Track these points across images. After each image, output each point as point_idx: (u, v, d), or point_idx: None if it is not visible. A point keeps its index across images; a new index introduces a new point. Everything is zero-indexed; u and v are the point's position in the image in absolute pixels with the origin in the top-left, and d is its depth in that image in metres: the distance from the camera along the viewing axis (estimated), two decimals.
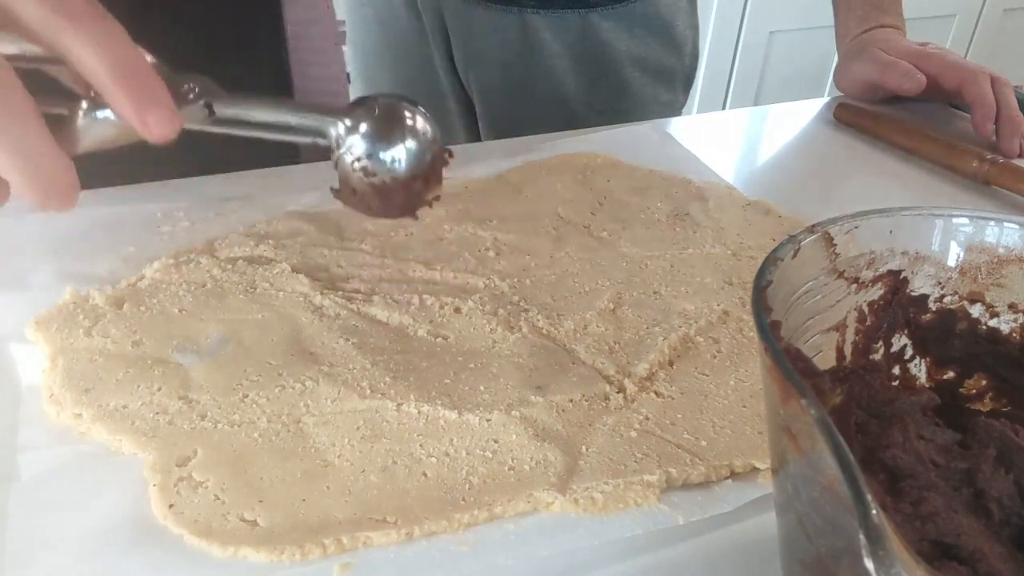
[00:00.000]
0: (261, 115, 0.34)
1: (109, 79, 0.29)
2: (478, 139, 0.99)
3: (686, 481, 0.37)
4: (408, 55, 0.96)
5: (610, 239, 0.56)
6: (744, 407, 0.41)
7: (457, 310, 0.47)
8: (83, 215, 0.54)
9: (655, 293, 0.50)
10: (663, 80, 0.96)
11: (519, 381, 0.42)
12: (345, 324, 0.45)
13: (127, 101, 0.30)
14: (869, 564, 0.19)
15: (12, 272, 0.48)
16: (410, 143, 0.35)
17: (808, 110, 0.86)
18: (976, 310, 0.34)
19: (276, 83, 0.68)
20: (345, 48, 1.02)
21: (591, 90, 0.91)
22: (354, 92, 1.03)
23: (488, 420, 0.39)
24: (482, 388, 0.41)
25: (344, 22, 0.99)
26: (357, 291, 0.48)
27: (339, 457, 0.37)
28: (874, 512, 0.19)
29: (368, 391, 0.40)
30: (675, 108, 1.00)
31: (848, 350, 0.33)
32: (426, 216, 0.57)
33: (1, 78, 0.29)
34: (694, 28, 0.98)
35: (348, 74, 1.05)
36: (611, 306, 0.48)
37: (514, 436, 0.38)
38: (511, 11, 0.87)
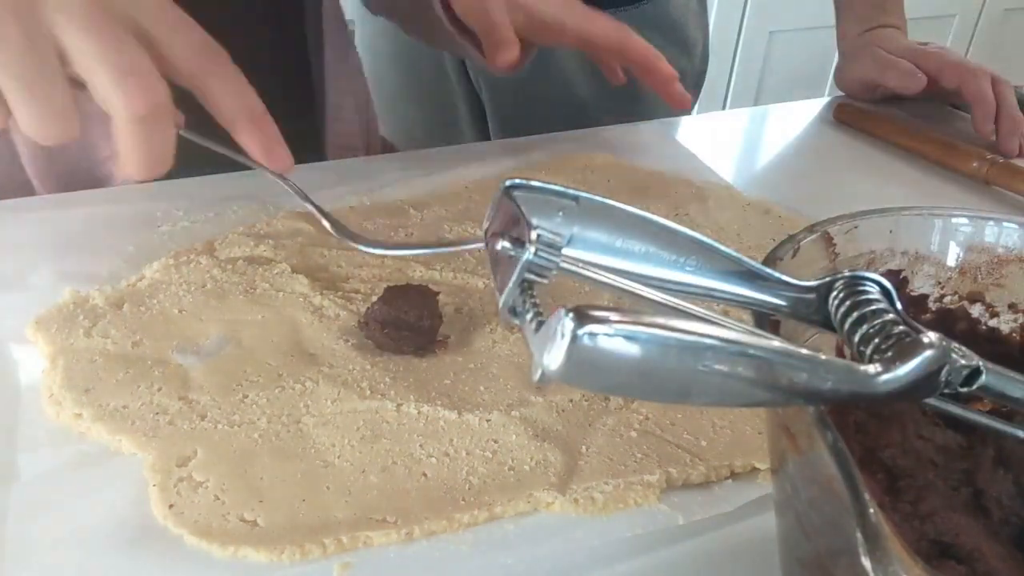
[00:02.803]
0: None
1: (244, 124, 0.39)
2: (487, 140, 0.98)
3: (686, 481, 0.37)
4: (418, 56, 0.96)
5: None
6: (744, 407, 0.41)
7: (457, 310, 0.47)
8: (83, 215, 0.54)
9: None
10: None
11: (519, 381, 0.42)
12: (344, 325, 0.45)
13: (255, 144, 0.39)
14: (867, 563, 0.19)
15: (12, 272, 0.48)
16: None
17: (808, 110, 0.86)
18: (976, 310, 0.34)
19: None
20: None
21: (602, 91, 0.91)
22: None
23: (488, 420, 0.39)
24: (482, 388, 0.41)
25: (352, 21, 0.99)
26: (357, 291, 0.48)
27: (339, 457, 0.37)
28: (871, 511, 0.19)
29: (368, 392, 0.40)
30: (685, 110, 1.00)
31: (847, 350, 0.33)
32: (426, 216, 0.57)
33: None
34: (703, 29, 0.98)
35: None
36: (611, 305, 0.48)
37: (514, 436, 0.38)
38: None
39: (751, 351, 0.21)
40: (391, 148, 0.83)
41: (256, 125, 0.39)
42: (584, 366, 0.19)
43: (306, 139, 0.70)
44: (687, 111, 0.70)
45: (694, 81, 1.00)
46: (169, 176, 0.59)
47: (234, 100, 0.38)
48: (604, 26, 0.65)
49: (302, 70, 0.69)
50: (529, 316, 0.23)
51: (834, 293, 0.27)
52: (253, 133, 0.39)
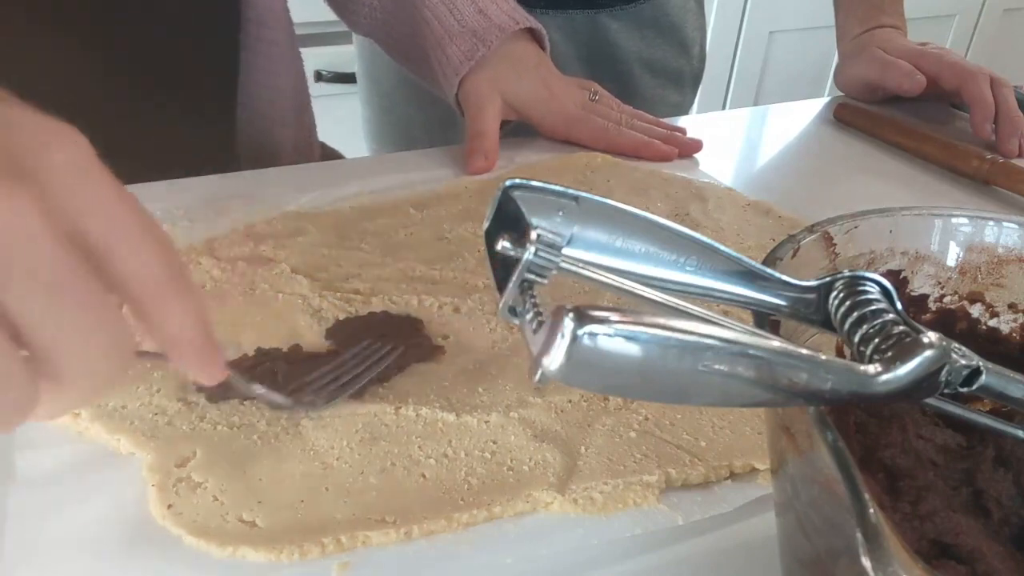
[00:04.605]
0: None
1: (189, 353, 0.30)
2: None
3: (685, 481, 0.37)
4: None
5: None
6: (744, 407, 0.41)
7: (456, 310, 0.47)
8: None
9: None
10: (672, 82, 0.96)
11: (518, 382, 0.42)
12: None
13: (197, 369, 0.30)
14: (866, 563, 0.19)
15: None
16: None
17: (808, 110, 0.86)
18: (976, 310, 0.34)
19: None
20: (352, 48, 1.02)
21: None
22: (360, 92, 1.03)
23: (487, 422, 0.39)
24: (480, 390, 0.41)
25: None
26: (357, 291, 0.48)
27: (338, 459, 0.37)
28: (871, 511, 0.19)
29: (366, 395, 0.40)
30: (683, 109, 1.00)
31: (847, 350, 0.33)
32: (426, 216, 0.57)
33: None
34: (701, 30, 0.98)
35: (353, 73, 1.04)
36: (611, 305, 0.48)
37: (512, 437, 0.38)
38: None
39: (751, 351, 0.20)
40: (333, 155, 0.82)
41: (201, 353, 0.31)
42: (584, 366, 0.19)
43: (218, 142, 0.69)
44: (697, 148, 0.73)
45: (692, 81, 1.00)
46: (169, 176, 0.60)
47: (183, 328, 0.29)
48: (590, 136, 0.71)
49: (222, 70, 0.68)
50: (529, 316, 0.23)
51: (834, 293, 0.27)
52: (196, 362, 0.31)
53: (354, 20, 0.75)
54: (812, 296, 0.27)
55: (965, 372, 0.23)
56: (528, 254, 0.24)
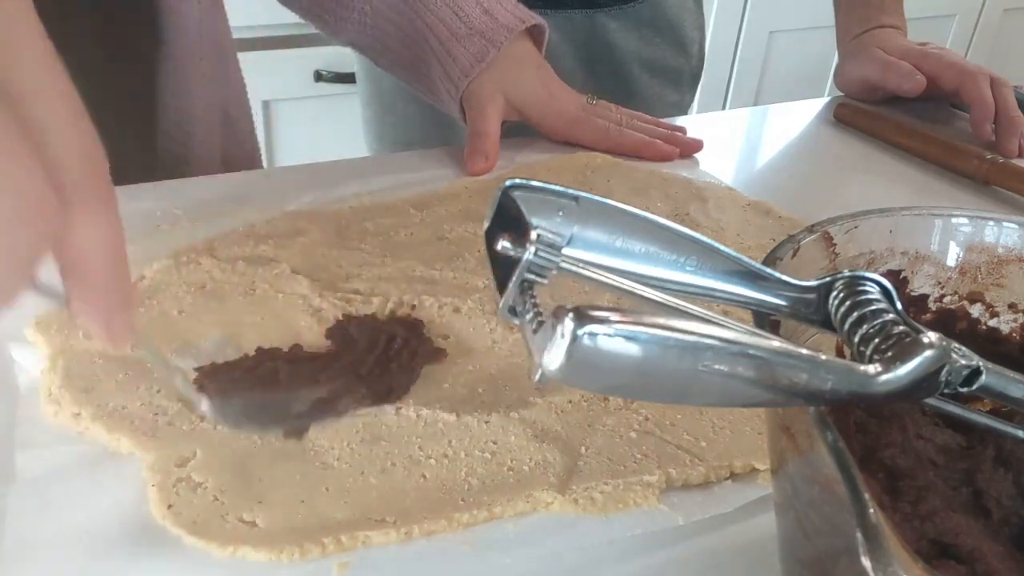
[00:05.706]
0: None
1: (93, 285, 0.27)
2: None
3: (686, 482, 0.37)
4: None
5: None
6: (744, 407, 0.41)
7: (457, 310, 0.47)
8: None
9: None
10: (671, 81, 0.96)
11: (518, 382, 0.42)
12: None
13: (97, 317, 0.28)
14: (866, 563, 0.19)
15: None
16: None
17: (808, 110, 0.86)
18: (976, 310, 0.34)
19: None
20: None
21: (599, 91, 0.91)
22: (360, 92, 1.03)
23: (487, 422, 0.39)
24: (480, 390, 0.41)
25: None
26: (357, 291, 0.48)
27: (338, 459, 0.37)
28: (871, 511, 0.19)
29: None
30: (682, 108, 1.00)
31: (847, 350, 0.33)
32: (426, 216, 0.57)
33: None
34: (700, 29, 0.98)
35: (353, 73, 1.03)
36: (611, 305, 0.48)
37: (513, 437, 0.38)
38: None
39: (751, 351, 0.20)
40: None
41: (106, 292, 0.27)
42: (584, 366, 0.19)
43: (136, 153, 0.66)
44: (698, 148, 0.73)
45: (691, 80, 1.00)
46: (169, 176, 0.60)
47: (94, 242, 0.26)
48: (591, 137, 0.71)
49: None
50: (529, 316, 0.23)
51: (834, 293, 0.27)
52: (97, 304, 0.27)
53: (339, 27, 0.73)
54: (812, 296, 0.27)
55: (965, 372, 0.23)
56: (528, 254, 0.24)
